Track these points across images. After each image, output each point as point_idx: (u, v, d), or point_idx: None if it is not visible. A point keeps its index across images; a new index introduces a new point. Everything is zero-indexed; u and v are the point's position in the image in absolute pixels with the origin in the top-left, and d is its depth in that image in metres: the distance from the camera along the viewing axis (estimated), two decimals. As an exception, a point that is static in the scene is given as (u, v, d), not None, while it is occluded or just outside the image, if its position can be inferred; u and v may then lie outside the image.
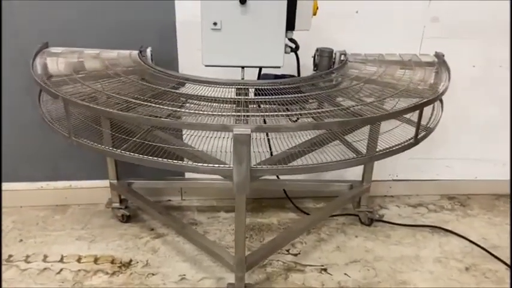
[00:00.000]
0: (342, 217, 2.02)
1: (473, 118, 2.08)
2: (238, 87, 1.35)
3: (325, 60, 1.65)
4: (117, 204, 1.92)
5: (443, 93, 1.35)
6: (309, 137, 1.36)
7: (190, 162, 1.13)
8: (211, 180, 1.97)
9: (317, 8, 1.39)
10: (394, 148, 1.25)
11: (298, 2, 1.33)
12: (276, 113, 1.16)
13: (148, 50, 1.65)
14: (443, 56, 1.66)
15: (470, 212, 2.12)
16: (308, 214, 2.02)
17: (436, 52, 1.69)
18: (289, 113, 1.16)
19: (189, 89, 1.36)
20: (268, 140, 1.57)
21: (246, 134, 1.04)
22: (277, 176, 1.97)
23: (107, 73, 1.42)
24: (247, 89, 1.35)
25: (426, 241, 1.88)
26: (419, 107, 1.25)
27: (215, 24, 1.31)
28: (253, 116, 1.15)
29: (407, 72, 1.59)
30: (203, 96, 1.29)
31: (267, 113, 1.16)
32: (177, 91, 1.30)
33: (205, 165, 1.10)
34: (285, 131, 1.11)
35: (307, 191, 2.09)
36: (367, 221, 1.97)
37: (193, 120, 1.09)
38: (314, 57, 1.69)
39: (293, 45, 1.47)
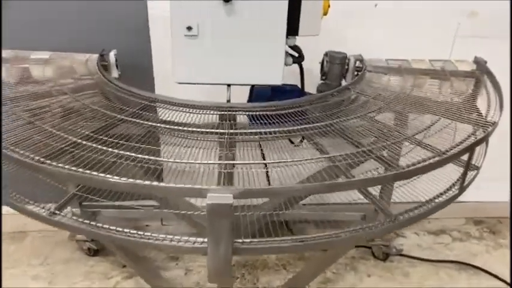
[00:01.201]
0: (351, 249, 1.70)
1: (504, 132, 1.73)
2: (222, 112, 1.01)
3: (336, 68, 1.30)
4: (81, 236, 1.60)
5: (496, 123, 1.01)
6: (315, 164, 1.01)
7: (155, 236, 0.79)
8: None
9: (329, 6, 1.03)
10: (433, 203, 0.91)
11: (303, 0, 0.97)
12: (269, 162, 0.82)
13: (112, 54, 1.30)
14: (485, 63, 1.30)
15: (502, 242, 1.80)
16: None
17: (475, 58, 1.33)
18: (287, 161, 0.82)
19: (157, 112, 1.01)
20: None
21: (225, 204, 0.70)
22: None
23: (49, 91, 1.07)
24: (235, 115, 1.01)
25: (453, 281, 1.57)
26: (470, 149, 0.91)
27: (189, 29, 0.95)
28: (239, 164, 0.82)
29: (442, 87, 1.24)
30: (173, 127, 0.94)
31: (258, 162, 0.82)
32: (137, 120, 0.95)
33: (173, 242, 0.77)
34: (287, 195, 0.78)
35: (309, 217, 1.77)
36: (382, 255, 1.65)
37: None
38: (322, 63, 1.33)
39: (296, 54, 1.11)
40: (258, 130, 0.93)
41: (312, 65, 1.34)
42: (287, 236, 0.76)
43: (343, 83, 1.35)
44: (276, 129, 0.93)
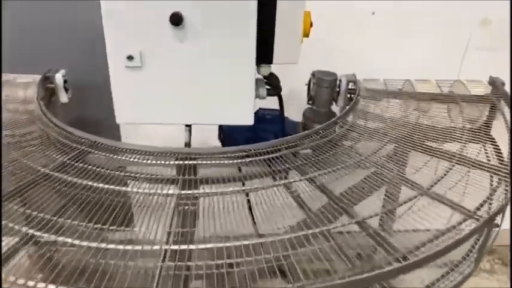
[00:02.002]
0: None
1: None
2: (179, 162, 0.80)
3: (325, 92, 1.09)
4: None
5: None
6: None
7: None
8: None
9: (311, 26, 0.81)
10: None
11: (277, 18, 0.75)
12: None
13: (59, 76, 1.08)
14: (503, 85, 1.09)
15: (516, 277, 1.59)
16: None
17: (491, 78, 1.12)
18: (260, 241, 0.61)
19: (97, 161, 0.80)
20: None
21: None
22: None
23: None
24: (195, 165, 0.80)
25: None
26: (487, 224, 0.70)
27: (130, 58, 0.74)
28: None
29: (451, 113, 1.04)
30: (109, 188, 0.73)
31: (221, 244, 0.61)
32: (66, 176, 0.74)
33: None
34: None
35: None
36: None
37: None
38: (309, 85, 1.12)
39: (269, 83, 0.90)
40: (222, 190, 0.73)
41: (298, 85, 1.14)
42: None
43: (334, 107, 1.14)
44: (240, 189, 0.72)
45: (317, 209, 0.75)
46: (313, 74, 1.11)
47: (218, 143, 1.06)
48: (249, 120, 0.81)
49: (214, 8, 0.72)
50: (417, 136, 0.89)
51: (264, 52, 0.79)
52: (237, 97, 0.79)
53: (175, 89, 0.78)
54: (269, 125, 1.07)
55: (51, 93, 1.10)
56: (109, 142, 0.82)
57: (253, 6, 0.72)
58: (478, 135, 0.92)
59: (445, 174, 0.79)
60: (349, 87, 1.12)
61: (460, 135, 0.91)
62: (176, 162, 0.81)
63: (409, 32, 1.25)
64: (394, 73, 1.18)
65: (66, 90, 1.13)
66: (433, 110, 1.10)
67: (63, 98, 1.13)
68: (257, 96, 0.84)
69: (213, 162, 0.78)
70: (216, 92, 0.79)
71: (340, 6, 1.20)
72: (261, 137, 0.94)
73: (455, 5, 1.24)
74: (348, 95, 1.13)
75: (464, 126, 0.96)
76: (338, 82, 1.10)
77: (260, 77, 0.85)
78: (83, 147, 0.82)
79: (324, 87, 1.08)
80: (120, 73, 0.76)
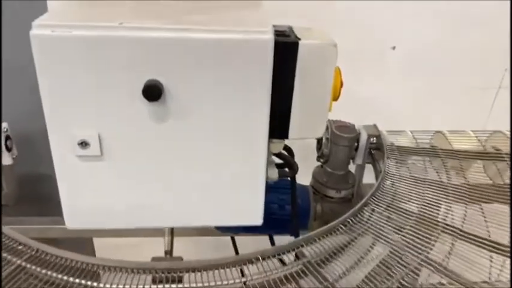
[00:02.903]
0: None
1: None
2: (156, 274, 0.56)
3: (342, 152, 0.86)
4: None
5: None
6: None
7: None
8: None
9: (341, 86, 0.58)
10: None
11: (296, 80, 0.52)
12: None
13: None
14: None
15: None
16: None
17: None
18: None
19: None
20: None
21: None
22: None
23: None
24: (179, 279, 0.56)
25: None
26: None
27: (85, 145, 0.49)
28: None
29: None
30: None
31: None
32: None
33: None
34: None
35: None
36: None
37: None
38: (320, 141, 0.89)
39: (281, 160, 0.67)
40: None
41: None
42: None
43: (351, 166, 0.92)
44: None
45: None
46: (326, 127, 0.88)
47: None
48: (257, 220, 0.58)
49: (210, 72, 0.48)
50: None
51: (278, 124, 0.56)
52: (241, 191, 0.55)
53: (152, 185, 0.53)
54: (274, 193, 0.84)
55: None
56: (57, 253, 0.57)
57: (266, 67, 0.48)
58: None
59: None
60: (372, 141, 0.90)
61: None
62: (154, 274, 0.57)
63: (431, 70, 1.04)
64: (417, 120, 0.97)
65: (9, 149, 0.87)
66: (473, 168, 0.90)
67: (6, 160, 0.87)
68: (267, 178, 0.61)
69: (206, 285, 0.54)
70: (210, 186, 0.55)
71: (353, 38, 0.97)
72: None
73: (489, 39, 1.03)
74: (368, 150, 0.91)
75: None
76: (357, 135, 0.88)
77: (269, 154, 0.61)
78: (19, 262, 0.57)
79: (342, 145, 0.85)
80: (70, 165, 0.51)
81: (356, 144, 0.88)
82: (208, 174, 0.54)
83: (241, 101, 0.51)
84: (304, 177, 0.89)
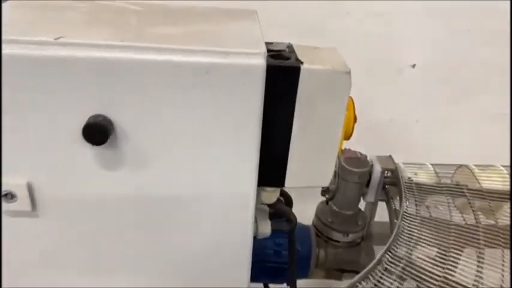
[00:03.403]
0: None
1: None
2: None
3: (353, 189, 0.73)
4: None
5: None
6: None
7: None
8: None
9: (355, 121, 0.45)
10: None
11: (296, 114, 0.39)
12: None
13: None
14: None
15: None
16: None
17: None
18: None
19: None
20: None
21: None
22: None
23: None
24: None
25: None
26: None
27: (10, 197, 0.37)
28: None
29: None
30: None
31: None
32: None
33: None
34: None
35: None
36: None
37: None
38: (326, 174, 0.75)
39: (275, 212, 0.53)
40: None
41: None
42: None
43: (361, 203, 0.79)
44: None
45: None
46: (333, 159, 0.74)
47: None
48: (243, 283, 0.45)
49: (179, 105, 0.35)
50: None
51: (271, 170, 0.43)
52: (221, 255, 0.42)
53: (100, 247, 0.40)
54: (269, 238, 0.70)
55: None
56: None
57: (256, 98, 0.35)
58: None
59: None
60: (386, 175, 0.77)
61: None
62: None
63: (458, 91, 0.90)
64: (438, 149, 0.83)
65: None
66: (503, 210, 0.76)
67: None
68: (255, 235, 0.48)
69: None
70: (182, 256, 0.42)
71: (369, 55, 0.85)
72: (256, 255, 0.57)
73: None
74: (381, 185, 0.78)
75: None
76: (370, 168, 0.75)
77: (262, 206, 0.48)
78: None
79: (352, 182, 0.72)
80: (-7, 220, 0.38)
81: (368, 179, 0.75)
82: (177, 238, 0.41)
83: (223, 141, 0.38)
84: (304, 208, 0.76)
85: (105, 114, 0.34)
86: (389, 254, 0.59)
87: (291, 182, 0.45)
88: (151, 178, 0.38)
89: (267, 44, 0.40)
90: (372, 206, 0.78)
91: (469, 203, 0.75)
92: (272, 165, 0.43)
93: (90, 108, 0.34)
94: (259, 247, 0.65)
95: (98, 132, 0.33)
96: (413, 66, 0.86)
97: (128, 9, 0.45)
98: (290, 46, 0.43)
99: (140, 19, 0.41)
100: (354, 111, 0.45)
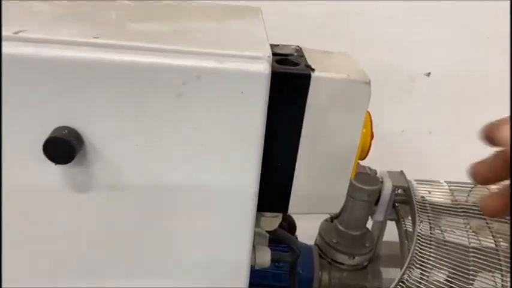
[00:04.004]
0: None
1: None
2: None
3: (362, 208, 0.67)
4: None
5: None
6: None
7: None
8: None
9: (371, 138, 0.39)
10: None
11: (304, 133, 0.33)
12: None
13: None
14: None
15: None
16: None
17: None
18: None
19: None
20: None
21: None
22: None
23: None
24: None
25: None
26: None
27: None
28: None
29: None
30: None
31: None
32: None
33: None
34: None
35: None
36: None
37: None
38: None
39: (276, 240, 0.47)
40: None
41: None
42: None
43: (368, 221, 0.72)
44: None
45: None
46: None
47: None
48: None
49: (164, 116, 0.29)
50: None
51: (273, 193, 0.37)
52: (216, 280, 0.36)
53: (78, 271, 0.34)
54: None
55: None
56: None
57: (258, 110, 0.29)
58: None
59: None
60: (397, 192, 0.71)
61: None
62: None
63: (475, 102, 0.84)
64: (453, 164, 0.76)
65: None
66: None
67: None
68: (253, 266, 0.42)
69: None
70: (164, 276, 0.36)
71: (380, 60, 0.78)
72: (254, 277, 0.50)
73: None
74: (392, 203, 0.71)
75: None
76: (379, 186, 0.69)
77: (261, 231, 0.42)
78: None
79: (360, 200, 0.66)
80: None
81: (378, 196, 0.69)
82: (161, 271, 0.34)
83: (217, 160, 0.32)
84: (306, 225, 0.69)
85: (71, 126, 0.28)
86: (404, 283, 0.53)
87: (295, 207, 0.38)
88: (128, 203, 0.31)
89: (272, 46, 0.33)
90: (381, 225, 0.72)
91: (487, 225, 0.70)
92: (274, 188, 0.36)
93: (55, 119, 0.28)
94: (257, 269, 0.59)
95: (59, 148, 0.27)
96: (428, 74, 0.79)
97: (115, 2, 0.39)
98: (299, 50, 0.36)
99: (122, 13, 0.35)
100: (372, 128, 0.38)
